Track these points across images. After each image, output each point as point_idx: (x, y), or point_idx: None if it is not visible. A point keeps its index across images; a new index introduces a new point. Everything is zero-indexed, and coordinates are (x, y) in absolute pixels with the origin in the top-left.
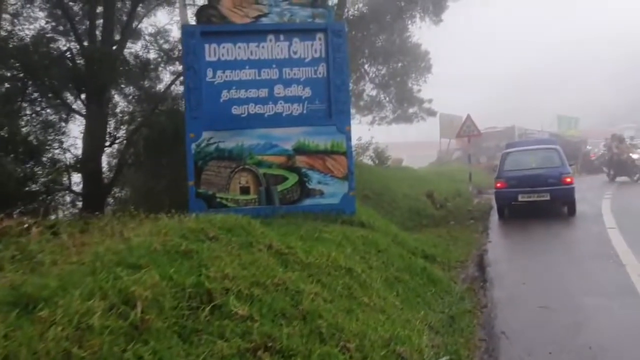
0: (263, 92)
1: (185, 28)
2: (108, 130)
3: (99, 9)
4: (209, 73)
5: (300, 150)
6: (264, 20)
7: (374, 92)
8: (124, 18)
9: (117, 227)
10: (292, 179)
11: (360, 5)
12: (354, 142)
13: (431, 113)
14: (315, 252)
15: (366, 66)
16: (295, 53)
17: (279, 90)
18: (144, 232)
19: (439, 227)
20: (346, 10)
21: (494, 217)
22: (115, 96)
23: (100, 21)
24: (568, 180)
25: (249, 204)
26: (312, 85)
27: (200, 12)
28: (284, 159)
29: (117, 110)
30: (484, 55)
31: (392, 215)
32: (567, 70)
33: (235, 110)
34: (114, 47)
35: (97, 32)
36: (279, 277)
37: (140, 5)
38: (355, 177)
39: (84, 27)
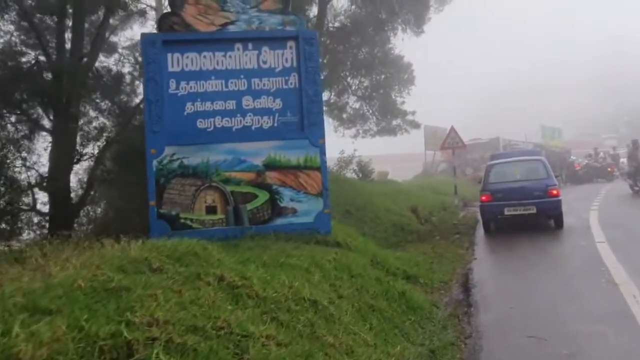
0: (230, 104)
1: (145, 36)
2: (76, 146)
3: (69, 22)
4: (172, 84)
5: (270, 165)
6: (231, 28)
7: (357, 105)
8: (95, 31)
9: (44, 259)
10: (263, 196)
11: (342, 17)
12: (335, 155)
13: (415, 125)
14: (275, 283)
15: (349, 79)
16: (264, 62)
17: (247, 102)
18: (75, 265)
19: (423, 243)
20: (327, 22)
21: (480, 231)
22: (89, 111)
23: (70, 34)
24: (554, 192)
25: (215, 224)
26: (283, 97)
27: (162, 20)
28: (253, 175)
29: (88, 125)
30: (468, 66)
31: (375, 231)
32: (550, 81)
33: (201, 123)
34: (84, 60)
35: (68, 46)
36: (224, 317)
37: (113, 18)
38: (332, 193)
39: (54, 40)
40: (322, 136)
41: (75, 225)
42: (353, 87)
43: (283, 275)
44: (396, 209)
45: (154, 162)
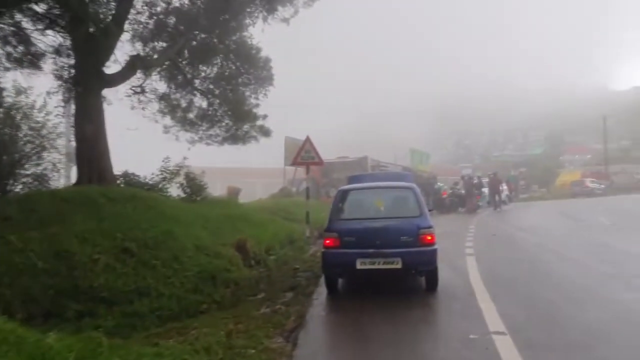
0: None
1: None
2: None
3: None
4: None
5: None
6: None
7: (203, 103)
8: None
9: None
10: None
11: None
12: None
13: (265, 132)
14: None
15: (187, 67)
16: None
17: None
18: None
19: (229, 312)
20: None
21: (323, 288)
22: None
23: None
24: (428, 238)
25: None
26: None
27: None
28: None
29: None
30: (339, 82)
31: (164, 284)
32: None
33: None
34: None
35: None
36: None
37: None
38: (112, 218)
39: None
40: None
41: None
42: (189, 76)
43: None
44: (213, 246)
45: None
